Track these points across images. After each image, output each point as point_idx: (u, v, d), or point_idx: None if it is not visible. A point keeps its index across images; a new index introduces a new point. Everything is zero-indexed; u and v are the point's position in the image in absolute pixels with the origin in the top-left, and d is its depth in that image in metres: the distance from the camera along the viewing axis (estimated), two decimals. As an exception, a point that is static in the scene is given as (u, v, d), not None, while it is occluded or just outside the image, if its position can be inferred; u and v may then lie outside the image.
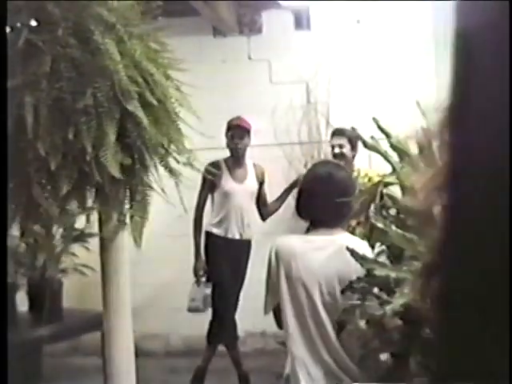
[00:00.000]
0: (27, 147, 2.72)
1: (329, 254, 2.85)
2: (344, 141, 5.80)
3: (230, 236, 5.95)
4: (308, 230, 3.17)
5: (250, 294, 6.23)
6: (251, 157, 6.19)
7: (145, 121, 2.90)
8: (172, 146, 3.19)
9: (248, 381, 6.05)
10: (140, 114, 2.88)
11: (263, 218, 6.31)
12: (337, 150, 5.80)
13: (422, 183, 0.68)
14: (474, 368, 0.61)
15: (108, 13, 2.90)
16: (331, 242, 2.86)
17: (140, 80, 2.93)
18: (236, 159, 5.97)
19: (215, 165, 5.66)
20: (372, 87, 6.96)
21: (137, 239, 3.22)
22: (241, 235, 6.00)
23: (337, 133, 5.95)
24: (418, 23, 6.94)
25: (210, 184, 5.78)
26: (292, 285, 2.98)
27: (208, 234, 5.98)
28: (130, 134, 2.94)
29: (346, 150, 5.79)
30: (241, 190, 5.95)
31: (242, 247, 6.06)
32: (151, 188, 3.23)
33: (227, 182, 5.90)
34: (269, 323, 6.57)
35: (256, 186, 6.10)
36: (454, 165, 0.64)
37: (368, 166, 6.00)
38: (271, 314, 3.32)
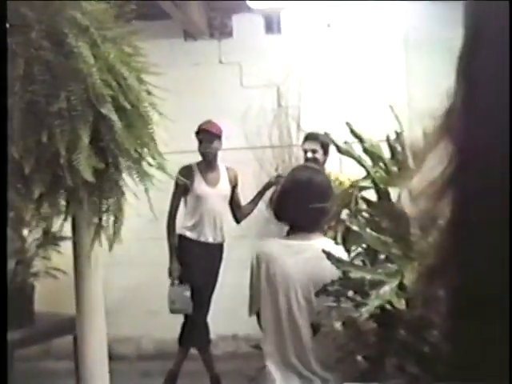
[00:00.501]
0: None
1: (305, 258, 2.87)
2: (317, 146, 5.83)
3: (202, 239, 5.94)
4: (288, 234, 3.20)
5: (222, 297, 6.25)
6: (222, 160, 6.20)
7: (118, 124, 2.89)
8: (145, 150, 3.19)
9: None
10: (113, 117, 2.87)
11: (237, 221, 6.32)
12: (309, 155, 5.84)
13: (420, 189, 0.69)
14: (481, 371, 0.63)
15: (82, 16, 2.88)
16: (308, 247, 2.88)
17: (114, 84, 2.92)
18: (208, 163, 5.96)
19: (188, 169, 5.68)
20: (343, 91, 7.00)
21: (112, 243, 3.23)
22: (214, 239, 6.00)
23: (309, 137, 5.98)
24: (388, 26, 6.99)
25: (182, 188, 5.78)
26: (271, 288, 3.01)
27: (181, 237, 5.97)
28: (103, 137, 2.93)
29: (319, 155, 5.83)
30: (213, 193, 5.94)
31: (215, 250, 6.06)
32: (123, 192, 3.23)
33: (200, 186, 5.89)
34: (240, 326, 6.63)
35: (229, 190, 6.10)
36: (460, 167, 0.65)
37: (339, 170, 6.05)
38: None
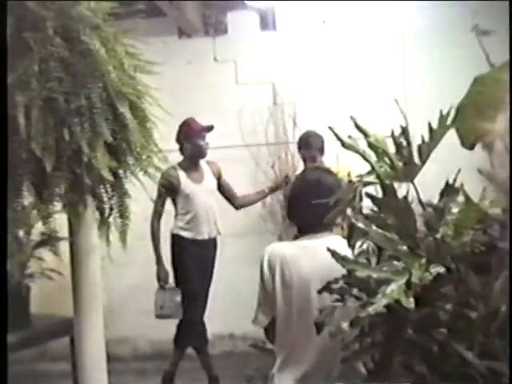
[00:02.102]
0: (19, 148, 2.67)
1: (318, 257, 2.82)
2: (315, 152, 5.89)
3: (199, 237, 5.90)
4: (296, 237, 3.17)
5: (218, 296, 6.21)
6: (218, 158, 6.15)
7: (133, 123, 2.87)
8: (148, 149, 3.16)
9: None
10: (129, 115, 2.85)
11: (236, 207, 6.26)
12: (309, 164, 5.87)
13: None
14: None
15: (90, 13, 2.85)
16: (320, 246, 2.82)
17: (130, 82, 2.90)
18: (191, 161, 5.89)
19: (173, 170, 5.64)
20: (339, 88, 6.97)
21: (123, 241, 3.20)
22: (209, 234, 5.96)
23: (304, 145, 6.02)
24: (383, 22, 6.96)
25: (169, 189, 5.73)
26: (287, 291, 2.95)
27: (176, 237, 5.92)
28: (115, 136, 2.89)
29: (318, 160, 5.88)
30: (201, 190, 5.90)
31: (210, 246, 6.03)
32: (127, 191, 3.19)
33: (187, 185, 5.84)
34: (237, 325, 6.60)
35: (215, 183, 6.06)
36: None
37: (336, 164, 6.03)
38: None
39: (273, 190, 6.23)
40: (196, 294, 5.84)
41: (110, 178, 2.82)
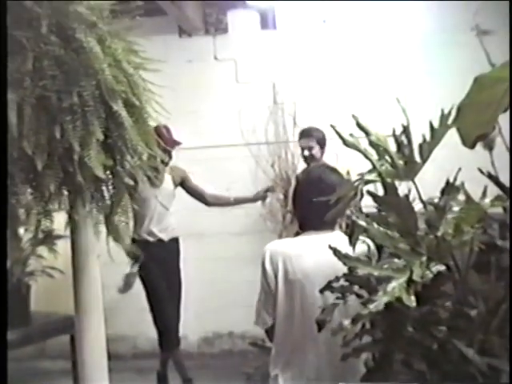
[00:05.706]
0: (10, 146, 2.66)
1: (321, 253, 2.81)
2: (313, 142, 5.90)
3: (152, 239, 5.88)
4: (298, 233, 3.17)
5: (218, 295, 6.22)
6: (219, 157, 6.17)
7: (129, 121, 2.86)
8: (147, 148, 3.14)
9: None
10: (123, 113, 2.83)
11: (208, 204, 6.18)
12: (306, 153, 5.89)
13: None
14: None
15: (88, 11, 2.84)
16: (322, 242, 2.82)
17: (124, 80, 2.89)
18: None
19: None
20: (339, 87, 6.98)
21: (119, 241, 3.17)
22: (165, 236, 5.92)
23: (304, 134, 6.02)
24: (382, 21, 6.96)
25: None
26: (290, 288, 2.94)
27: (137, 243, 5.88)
28: (111, 134, 2.88)
29: (316, 151, 5.87)
30: (157, 194, 5.88)
31: (170, 247, 6.00)
32: (129, 190, 3.17)
33: (144, 189, 5.78)
34: (236, 324, 6.60)
35: (171, 188, 6.02)
36: None
37: (335, 163, 6.04)
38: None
39: (252, 200, 6.25)
40: (162, 297, 5.83)
41: (103, 175, 2.80)
